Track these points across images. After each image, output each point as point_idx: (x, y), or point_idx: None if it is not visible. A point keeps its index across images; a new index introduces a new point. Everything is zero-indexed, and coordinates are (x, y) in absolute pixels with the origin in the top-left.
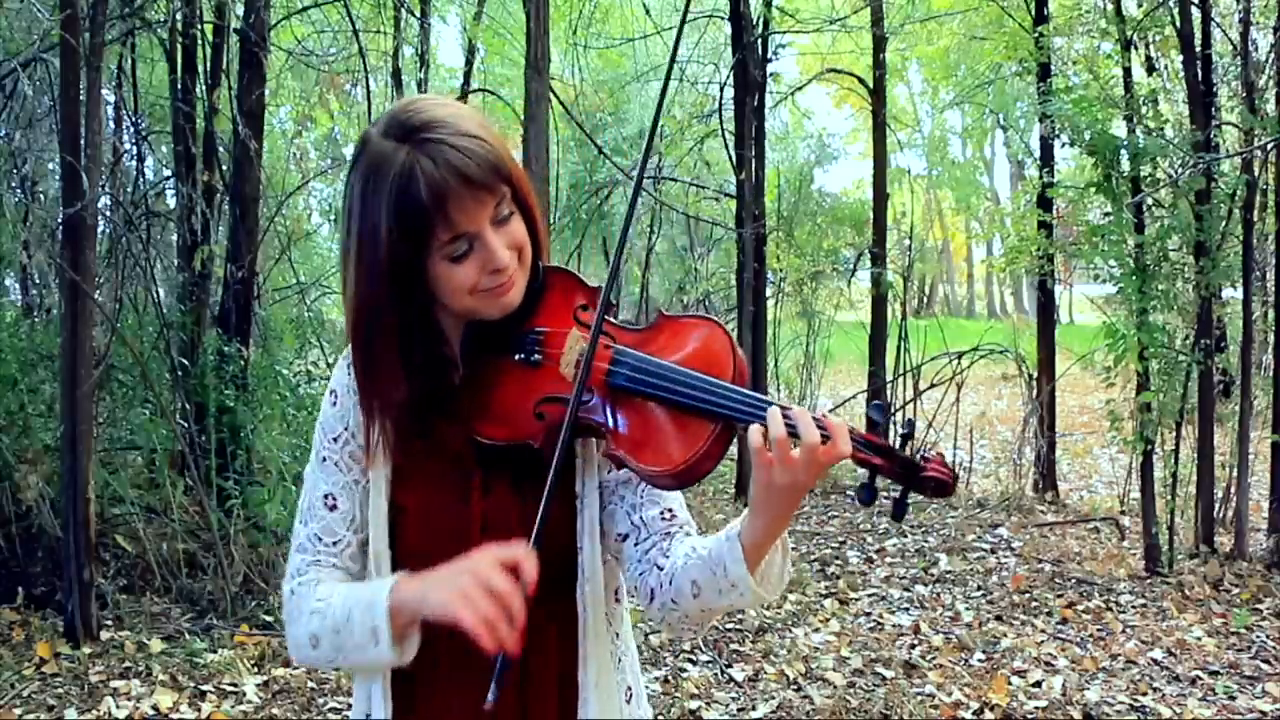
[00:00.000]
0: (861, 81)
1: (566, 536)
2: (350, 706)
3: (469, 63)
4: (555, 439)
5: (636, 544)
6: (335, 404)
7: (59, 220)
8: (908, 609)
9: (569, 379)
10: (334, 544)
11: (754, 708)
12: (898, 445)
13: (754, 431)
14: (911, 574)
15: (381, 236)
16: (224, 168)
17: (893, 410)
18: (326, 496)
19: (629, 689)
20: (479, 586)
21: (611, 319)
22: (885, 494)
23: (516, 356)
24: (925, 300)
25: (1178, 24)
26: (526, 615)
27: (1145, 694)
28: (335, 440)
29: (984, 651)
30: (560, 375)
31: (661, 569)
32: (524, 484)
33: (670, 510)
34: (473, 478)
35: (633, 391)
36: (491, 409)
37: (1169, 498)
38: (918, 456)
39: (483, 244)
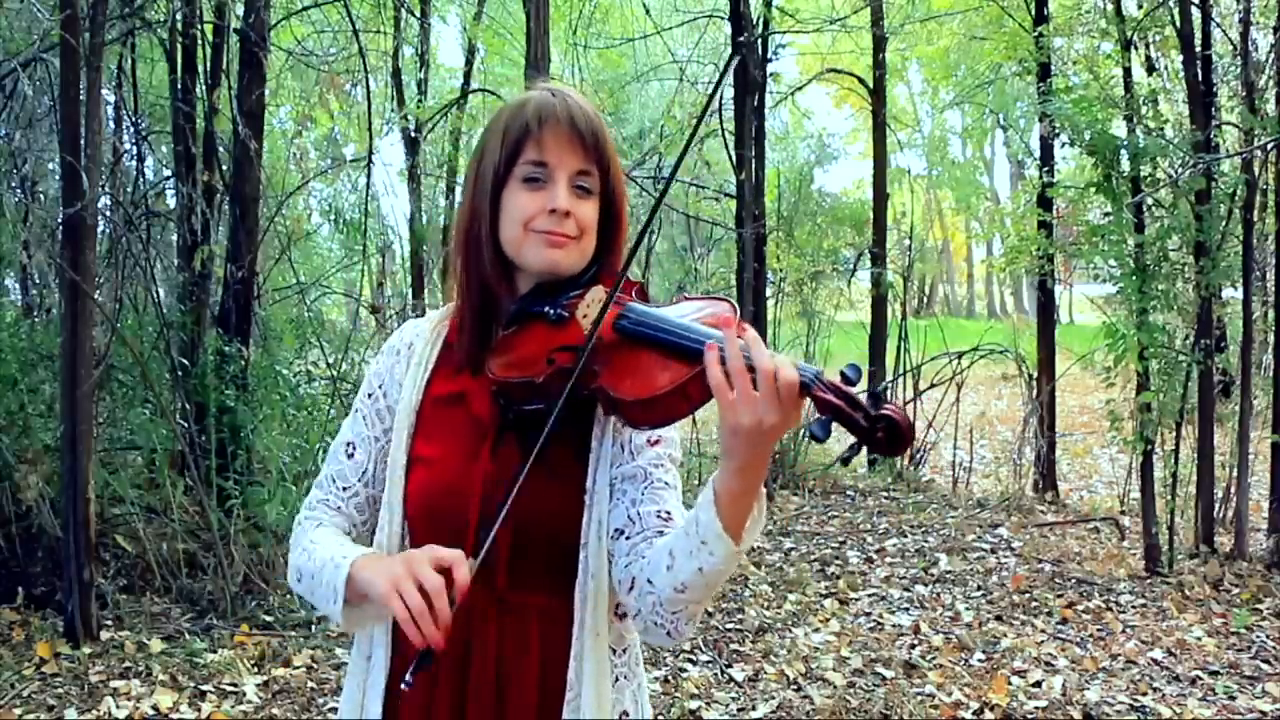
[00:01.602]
0: (861, 81)
1: (570, 531)
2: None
3: (469, 63)
4: (559, 379)
5: (628, 538)
6: (378, 363)
7: (59, 220)
8: (908, 609)
9: (584, 328)
10: (344, 489)
11: (754, 708)
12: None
13: (713, 366)
14: (911, 574)
15: (495, 148)
16: (224, 168)
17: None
18: (348, 444)
19: (625, 713)
20: (410, 580)
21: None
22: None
23: (548, 310)
24: (925, 300)
25: (1178, 24)
26: (469, 611)
27: (1145, 694)
28: (369, 397)
29: (984, 651)
30: (578, 325)
31: (645, 557)
32: (531, 453)
33: (668, 512)
34: (485, 440)
35: (635, 335)
36: (512, 356)
37: (1169, 498)
38: (873, 403)
39: (553, 183)
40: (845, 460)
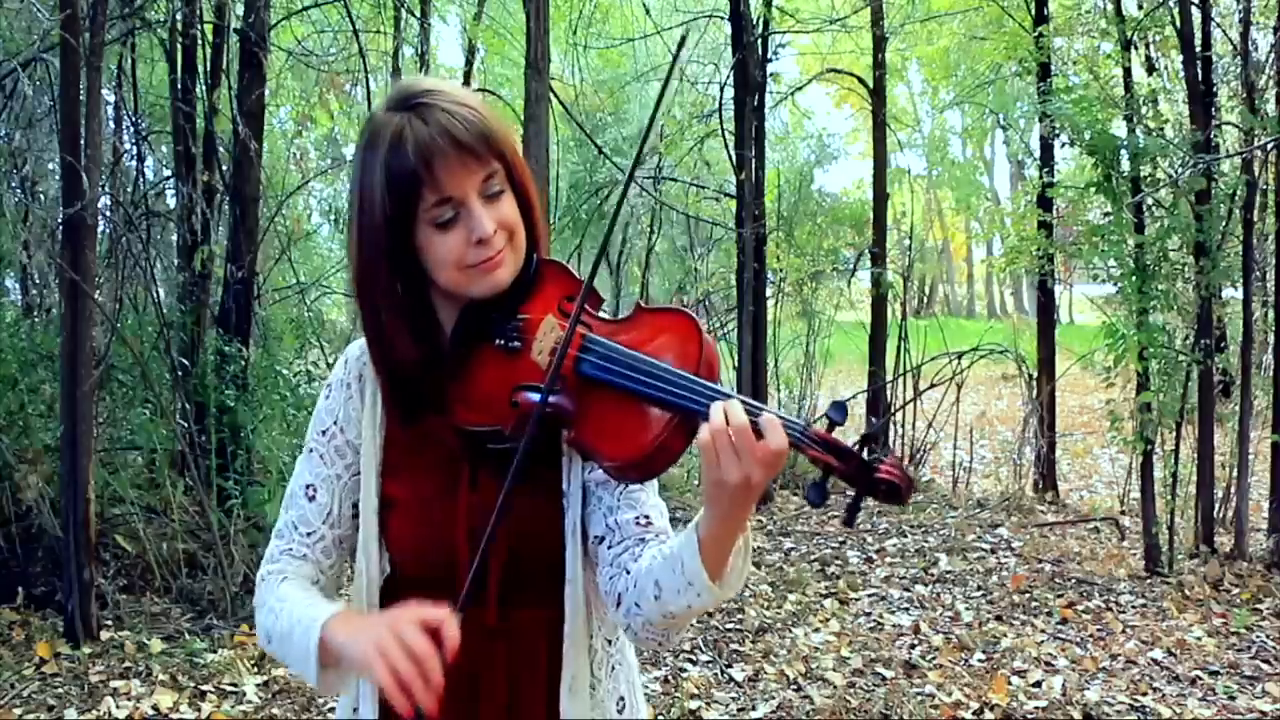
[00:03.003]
0: (861, 81)
1: (553, 537)
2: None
3: (469, 63)
4: (524, 424)
5: (609, 548)
6: (328, 397)
7: (59, 220)
8: (908, 609)
9: (541, 366)
10: (308, 534)
11: (754, 708)
12: (856, 447)
13: (701, 427)
14: (911, 574)
15: (376, 199)
16: (224, 168)
17: (891, 410)
18: (308, 487)
19: (621, 699)
20: (396, 645)
21: (591, 310)
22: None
23: (497, 342)
24: (925, 300)
25: (1178, 24)
26: (457, 666)
27: (1145, 694)
28: (323, 434)
29: (984, 651)
30: (533, 362)
31: (629, 573)
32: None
33: (646, 517)
34: (461, 471)
35: (598, 380)
36: (472, 396)
37: (1169, 498)
38: (872, 458)
39: (468, 212)
40: (849, 520)
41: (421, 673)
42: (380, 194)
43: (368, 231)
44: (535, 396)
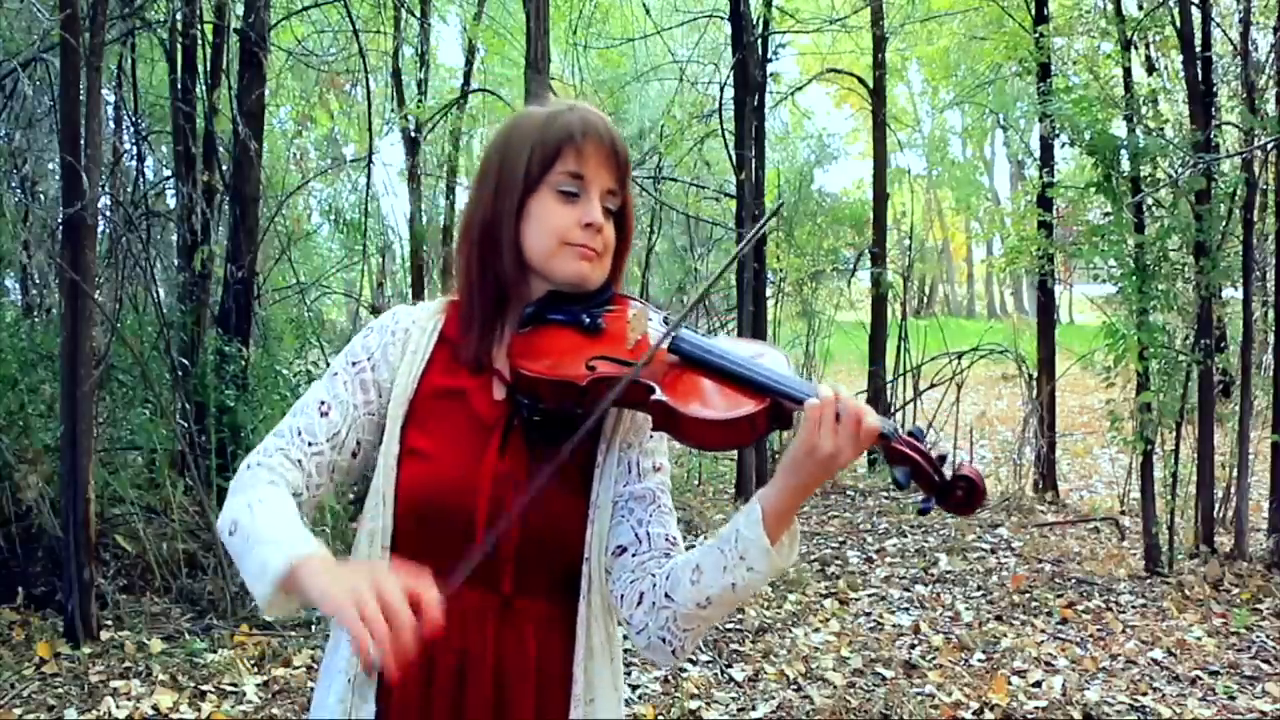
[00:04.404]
0: (861, 81)
1: (574, 542)
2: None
3: (469, 63)
4: (602, 387)
5: (634, 555)
6: (367, 336)
7: (59, 220)
8: (908, 609)
9: (628, 344)
10: (309, 444)
11: (754, 708)
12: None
13: (810, 401)
14: (911, 574)
15: (525, 147)
16: (224, 168)
17: (892, 410)
18: (322, 403)
19: None
20: (376, 600)
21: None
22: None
23: (584, 319)
24: (925, 300)
25: (1178, 24)
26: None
27: (1145, 694)
28: (353, 364)
29: (984, 651)
30: (617, 338)
31: (655, 575)
32: (540, 455)
33: (674, 537)
34: (491, 438)
35: (693, 359)
36: (545, 357)
37: (1169, 498)
38: (950, 464)
39: (588, 197)
40: (923, 512)
41: (393, 635)
42: (529, 144)
43: (512, 176)
44: (614, 366)
